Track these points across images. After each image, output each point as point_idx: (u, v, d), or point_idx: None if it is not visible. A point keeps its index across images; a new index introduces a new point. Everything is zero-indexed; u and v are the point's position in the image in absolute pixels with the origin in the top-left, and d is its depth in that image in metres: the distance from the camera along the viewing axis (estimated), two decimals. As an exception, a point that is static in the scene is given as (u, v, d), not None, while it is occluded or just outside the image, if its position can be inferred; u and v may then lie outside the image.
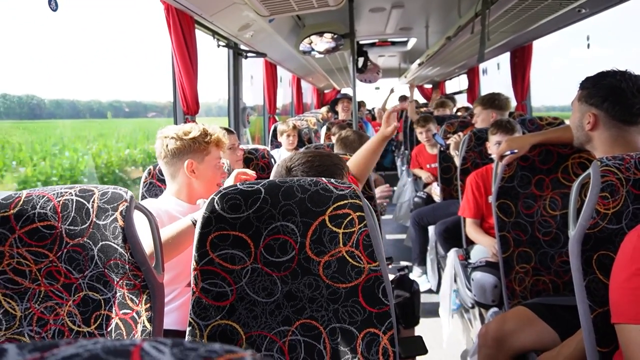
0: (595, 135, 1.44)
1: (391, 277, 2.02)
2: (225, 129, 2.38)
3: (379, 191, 3.19)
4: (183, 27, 2.30)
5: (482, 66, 6.23)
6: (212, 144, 1.57)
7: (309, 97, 9.66)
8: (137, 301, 1.06)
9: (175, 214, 1.49)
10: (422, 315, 3.02)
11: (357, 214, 0.97)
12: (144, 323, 1.04)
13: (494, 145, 2.41)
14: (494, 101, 3.02)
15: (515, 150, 1.80)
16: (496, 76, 5.76)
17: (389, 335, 0.95)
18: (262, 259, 1.02)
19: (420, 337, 1.33)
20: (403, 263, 3.65)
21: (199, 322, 1.03)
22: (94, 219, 1.06)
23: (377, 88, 9.58)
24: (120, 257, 1.04)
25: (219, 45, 3.03)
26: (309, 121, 5.08)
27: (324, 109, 6.76)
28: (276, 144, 4.26)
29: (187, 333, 1.03)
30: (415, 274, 3.48)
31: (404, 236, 4.41)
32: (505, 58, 4.79)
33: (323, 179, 1.02)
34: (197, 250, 1.01)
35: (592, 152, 1.51)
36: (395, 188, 5.28)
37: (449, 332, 2.61)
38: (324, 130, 4.83)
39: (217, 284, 1.03)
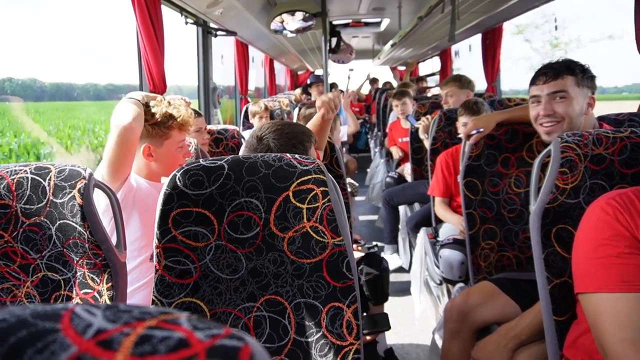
0: (587, 119, 1.49)
1: (361, 255, 2.05)
2: (194, 110, 2.33)
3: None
4: (148, 2, 2.21)
5: (454, 48, 6.27)
6: (174, 129, 1.50)
7: (282, 78, 9.55)
8: (99, 280, 1.04)
9: (137, 187, 1.46)
10: (395, 293, 3.11)
11: (321, 189, 0.97)
12: (105, 302, 1.02)
13: (462, 126, 2.45)
14: (464, 81, 3.08)
15: (481, 130, 1.83)
16: (468, 58, 5.82)
17: (353, 309, 0.97)
18: (226, 236, 1.01)
19: (385, 314, 1.36)
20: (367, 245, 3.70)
21: (162, 300, 1.02)
22: (51, 197, 1.02)
23: (352, 69, 9.54)
24: (80, 236, 1.01)
25: (187, 23, 2.94)
26: (281, 102, 5.03)
27: (298, 91, 6.70)
28: (248, 126, 4.21)
29: (151, 311, 1.02)
30: (386, 253, 3.54)
31: (376, 217, 4.46)
32: (476, 40, 4.84)
33: (287, 154, 1.01)
34: (159, 228, 0.99)
35: None
36: (368, 170, 5.32)
37: (421, 309, 2.67)
38: (296, 111, 4.79)
39: (180, 261, 1.01)
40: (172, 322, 0.27)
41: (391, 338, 2.60)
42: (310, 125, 1.68)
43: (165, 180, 1.01)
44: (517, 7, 3.36)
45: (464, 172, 1.93)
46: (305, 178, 0.97)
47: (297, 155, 1.00)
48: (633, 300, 0.92)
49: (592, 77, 1.48)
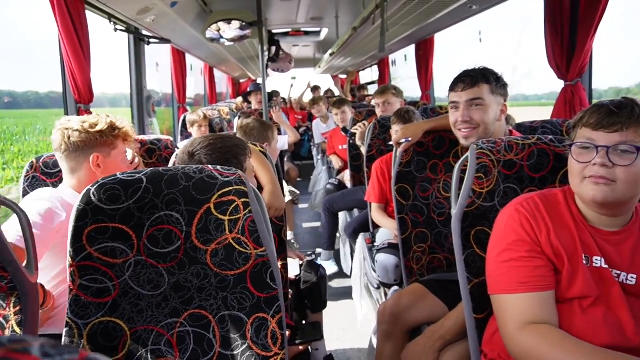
0: (499, 125, 1.59)
1: (299, 263, 2.06)
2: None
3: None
4: (70, 7, 2.11)
5: (391, 58, 6.49)
6: (119, 139, 1.51)
7: (223, 86, 9.42)
8: (5, 304, 0.97)
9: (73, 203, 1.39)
10: (337, 298, 3.14)
11: (242, 200, 0.96)
12: (12, 328, 0.96)
13: (395, 133, 2.54)
14: (385, 90, 3.24)
15: (409, 139, 1.91)
16: (404, 67, 6.04)
17: (278, 319, 0.97)
18: (146, 251, 0.97)
19: (318, 323, 1.37)
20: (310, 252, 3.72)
21: (78, 322, 0.97)
22: (-51, 217, 0.94)
23: (294, 77, 9.60)
24: None
25: (116, 30, 2.84)
26: (221, 111, 4.95)
27: (239, 99, 6.63)
28: (186, 135, 4.11)
29: (64, 334, 0.96)
30: (323, 258, 3.57)
31: (319, 224, 4.49)
32: (412, 50, 5.03)
33: (209, 166, 1.00)
34: (72, 245, 0.95)
35: None
36: (312, 177, 5.36)
37: (362, 314, 2.71)
38: (236, 120, 4.74)
39: (97, 279, 0.97)
40: (21, 351, 0.26)
41: (334, 344, 2.62)
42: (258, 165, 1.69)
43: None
44: (445, 20, 3.53)
45: (396, 178, 1.99)
46: (227, 190, 0.96)
47: (218, 167, 1.00)
48: (530, 299, 1.00)
49: (505, 85, 1.58)
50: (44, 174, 1.73)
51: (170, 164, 1.27)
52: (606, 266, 1.02)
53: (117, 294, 0.98)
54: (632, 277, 1.01)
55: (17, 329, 0.96)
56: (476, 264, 1.26)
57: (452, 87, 1.60)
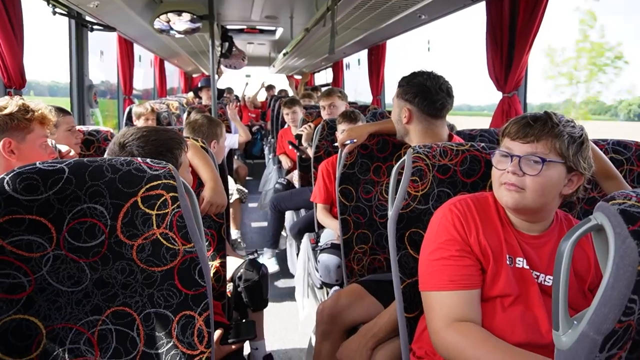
0: (411, 128, 1.63)
1: (241, 261, 2.03)
2: (60, 108, 2.13)
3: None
4: (1, -15, 1.98)
5: (345, 61, 6.57)
6: (34, 121, 1.41)
7: (175, 80, 9.16)
8: None
9: None
10: (281, 298, 3.13)
11: (171, 194, 0.94)
12: None
13: (341, 133, 2.57)
14: (330, 92, 3.29)
15: (354, 140, 1.93)
16: (357, 71, 6.13)
17: (205, 317, 0.95)
18: (66, 245, 0.92)
19: (252, 322, 1.35)
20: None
21: (-14, 319, 0.90)
22: None
23: (248, 75, 9.50)
24: None
25: (55, 13, 2.68)
26: (170, 105, 4.81)
27: (190, 94, 6.47)
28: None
29: (-30, 333, 0.90)
30: (266, 256, 3.55)
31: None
32: (365, 55, 5.12)
33: (138, 158, 0.97)
34: None
35: (409, 143, 1.69)
36: (262, 176, 5.31)
37: (305, 313, 2.71)
38: (185, 115, 4.62)
39: (10, 274, 0.91)
40: None
41: (276, 343, 2.61)
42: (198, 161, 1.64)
43: None
44: (395, 27, 3.62)
45: (339, 179, 2.01)
46: (155, 183, 0.93)
47: (148, 160, 0.96)
48: (457, 296, 1.05)
49: (411, 92, 1.59)
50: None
51: (105, 156, 1.21)
52: (527, 267, 1.08)
53: (33, 290, 0.92)
54: (549, 279, 1.08)
55: None
56: (409, 264, 1.30)
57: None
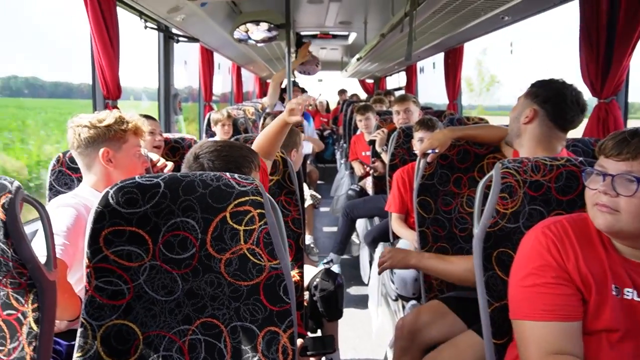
0: (528, 130, 1.52)
1: (317, 270, 2.04)
2: (145, 115, 2.27)
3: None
4: (102, 3, 2.15)
5: (419, 65, 6.41)
6: (129, 132, 1.51)
7: (251, 85, 9.50)
8: (23, 301, 0.98)
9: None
10: (355, 306, 3.11)
11: (258, 211, 0.95)
12: (30, 324, 0.97)
13: (417, 141, 2.50)
14: (404, 98, 3.21)
15: (437, 150, 1.85)
16: (432, 75, 5.96)
17: (289, 334, 0.95)
18: (161, 256, 0.97)
19: (331, 337, 1.35)
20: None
21: (92, 323, 0.97)
22: (-27, 212, 0.96)
23: (320, 80, 9.63)
24: (3, 254, 0.95)
25: (146, 27, 2.88)
26: (246, 111, 4.98)
27: (265, 99, 6.66)
28: (210, 133, 4.15)
29: (78, 335, 0.97)
30: (326, 260, 3.55)
31: (339, 228, 4.47)
32: (441, 58, 4.97)
33: (227, 174, 1.00)
34: (90, 247, 0.96)
35: (517, 149, 1.58)
36: (334, 181, 5.35)
37: (378, 323, 2.67)
38: (261, 121, 4.76)
39: (112, 282, 0.97)
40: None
41: (349, 352, 2.60)
42: (270, 126, 1.65)
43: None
44: (475, 30, 3.47)
45: (418, 190, 1.95)
46: (243, 199, 0.95)
47: (236, 175, 0.99)
48: (553, 327, 0.96)
49: (543, 95, 1.49)
50: (70, 169, 1.76)
51: (183, 164, 1.27)
52: (638, 299, 0.96)
53: (132, 297, 0.98)
54: None
55: (35, 326, 0.97)
56: (497, 286, 1.22)
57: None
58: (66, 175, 1.77)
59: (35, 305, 0.98)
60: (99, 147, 1.46)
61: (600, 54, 2.28)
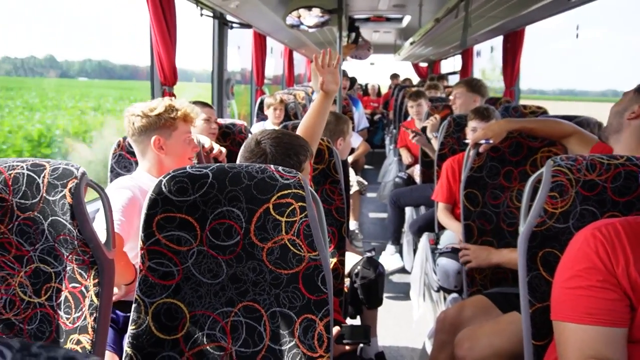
0: (632, 126, 1.43)
1: (358, 257, 2.06)
2: (202, 102, 2.36)
3: None
4: (161, -5, 2.24)
5: (476, 48, 6.16)
6: (179, 120, 1.57)
7: (302, 68, 9.54)
8: (86, 276, 1.08)
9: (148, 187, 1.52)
10: (396, 294, 3.12)
11: (299, 204, 0.99)
12: (91, 297, 1.07)
13: (471, 130, 2.43)
14: (474, 85, 3.03)
15: (491, 141, 1.79)
16: (489, 59, 5.72)
17: (325, 322, 0.99)
18: (207, 242, 1.03)
19: (367, 327, 1.37)
20: (374, 243, 3.70)
21: (145, 299, 1.05)
22: (44, 194, 1.06)
23: (372, 63, 9.50)
24: (69, 233, 1.05)
25: (202, 14, 2.97)
26: (297, 95, 5.02)
27: (312, 82, 6.67)
28: (262, 117, 4.24)
29: (133, 309, 1.06)
30: (388, 252, 3.55)
31: (386, 215, 4.46)
32: (499, 42, 4.74)
33: (271, 166, 1.03)
34: (144, 231, 1.03)
35: (612, 146, 1.49)
36: (382, 167, 5.32)
37: (419, 313, 2.67)
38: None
39: (163, 263, 1.05)
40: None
41: (388, 339, 2.62)
42: (310, 110, 1.65)
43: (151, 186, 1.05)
44: (538, 12, 3.28)
45: (465, 182, 1.92)
46: (285, 192, 0.99)
47: (280, 168, 1.02)
48: (595, 332, 0.93)
49: None
50: (129, 152, 1.88)
51: (240, 152, 1.33)
52: None
53: (180, 279, 1.05)
54: None
55: (95, 299, 1.07)
56: (541, 287, 1.19)
57: None
58: (125, 159, 1.89)
59: (96, 280, 1.08)
60: (151, 135, 1.53)
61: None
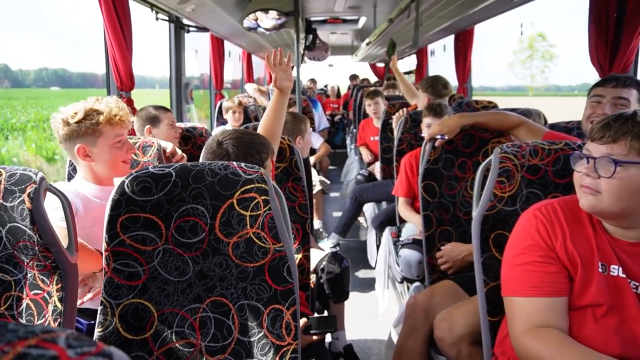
0: None
1: (323, 254, 2.10)
2: (162, 107, 2.34)
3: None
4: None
5: (430, 47, 6.36)
6: (103, 125, 1.43)
7: (261, 71, 9.52)
8: (48, 282, 1.06)
9: (89, 196, 1.46)
10: (362, 289, 3.19)
11: (263, 197, 1.02)
12: (55, 303, 1.06)
13: (426, 126, 2.52)
14: (434, 86, 3.13)
15: (445, 137, 1.89)
16: (443, 58, 5.91)
17: (292, 311, 1.02)
18: (173, 240, 1.05)
19: (333, 317, 1.42)
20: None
21: (111, 301, 1.05)
22: (1, 201, 1.04)
23: (331, 65, 9.60)
24: (29, 239, 1.04)
25: (157, 19, 2.94)
26: (256, 98, 5.03)
27: (271, 86, 6.68)
28: (222, 121, 4.22)
29: (99, 312, 1.05)
30: (331, 241, 3.60)
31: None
32: (450, 41, 4.92)
33: (234, 162, 1.06)
34: (108, 232, 1.03)
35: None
36: (344, 166, 5.39)
37: (384, 306, 2.74)
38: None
39: (128, 264, 1.05)
40: (50, 341, 0.31)
41: (356, 333, 2.67)
42: (268, 109, 1.68)
43: (117, 181, 1.05)
44: (486, 12, 3.44)
45: (422, 175, 2.00)
46: (249, 187, 1.02)
47: (242, 164, 1.05)
48: (540, 303, 1.02)
49: None
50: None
51: (202, 154, 1.34)
52: (623, 275, 1.01)
53: (147, 278, 1.06)
54: None
55: (59, 304, 1.06)
56: (493, 267, 1.27)
57: (602, 83, 1.61)
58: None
59: (59, 285, 1.07)
60: (75, 144, 1.43)
61: (609, 34, 2.28)
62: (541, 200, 1.21)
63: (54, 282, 1.06)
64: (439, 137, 1.90)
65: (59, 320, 1.05)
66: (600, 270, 1.02)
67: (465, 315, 1.53)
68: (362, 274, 3.49)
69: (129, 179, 1.03)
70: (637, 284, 1.01)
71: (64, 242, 1.09)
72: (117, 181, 1.47)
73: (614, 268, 1.02)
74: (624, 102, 1.53)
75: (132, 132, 2.25)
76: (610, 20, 2.26)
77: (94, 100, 1.46)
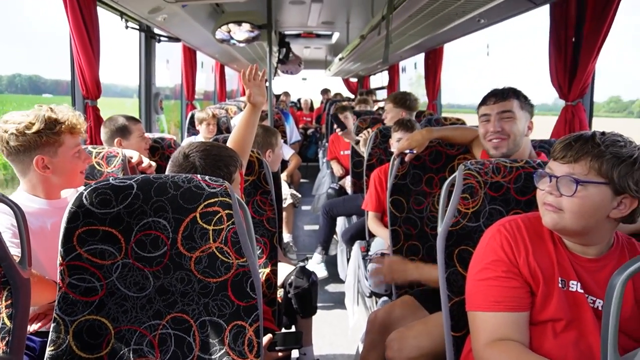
0: (525, 140, 1.67)
1: (291, 268, 2.08)
2: (132, 117, 2.29)
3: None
4: (81, 4, 2.16)
5: (401, 64, 6.50)
6: (64, 134, 1.38)
7: (234, 83, 9.49)
8: (-3, 298, 1.01)
9: (31, 211, 1.35)
10: (331, 303, 3.17)
11: (226, 211, 1.00)
12: (3, 320, 1.00)
13: (396, 141, 2.56)
14: (405, 101, 3.18)
15: (414, 151, 1.91)
16: (413, 74, 6.06)
17: (255, 327, 1.00)
18: (133, 254, 1.02)
19: (299, 333, 1.40)
20: (309, 255, 3.74)
21: (65, 318, 1.01)
22: (-52, 212, 0.99)
23: (304, 79, 9.66)
24: None
25: (127, 27, 2.89)
26: (229, 110, 5.00)
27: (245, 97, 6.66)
28: (193, 132, 4.16)
29: (51, 330, 1.01)
30: (315, 261, 3.58)
31: (319, 227, 4.51)
32: (421, 58, 5.04)
33: (198, 176, 1.04)
34: (63, 245, 0.99)
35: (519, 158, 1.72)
36: (316, 180, 5.39)
37: (354, 320, 2.73)
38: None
39: (85, 279, 1.01)
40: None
41: (325, 348, 2.65)
42: (239, 122, 1.67)
43: (70, 198, 1.01)
44: (454, 32, 3.55)
45: (391, 190, 2.02)
46: (212, 200, 1.00)
47: (207, 178, 1.03)
48: (503, 317, 1.04)
49: (532, 105, 1.65)
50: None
51: (168, 167, 1.31)
52: (582, 291, 1.04)
53: (104, 294, 1.02)
54: None
55: (7, 322, 1.00)
56: (457, 282, 1.29)
57: (484, 102, 1.67)
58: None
59: (9, 301, 1.01)
60: (32, 155, 1.34)
61: (568, 57, 2.38)
62: (503, 217, 1.24)
63: (3, 298, 1.01)
64: (408, 151, 1.93)
65: (7, 338, 1.00)
66: (560, 285, 1.05)
67: (417, 337, 1.54)
68: (332, 288, 3.47)
69: (87, 190, 1.00)
70: (594, 299, 1.04)
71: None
72: (65, 193, 1.40)
73: (572, 283, 1.05)
74: (508, 114, 1.61)
75: (87, 142, 2.18)
76: (569, 43, 2.36)
77: (47, 109, 1.37)
